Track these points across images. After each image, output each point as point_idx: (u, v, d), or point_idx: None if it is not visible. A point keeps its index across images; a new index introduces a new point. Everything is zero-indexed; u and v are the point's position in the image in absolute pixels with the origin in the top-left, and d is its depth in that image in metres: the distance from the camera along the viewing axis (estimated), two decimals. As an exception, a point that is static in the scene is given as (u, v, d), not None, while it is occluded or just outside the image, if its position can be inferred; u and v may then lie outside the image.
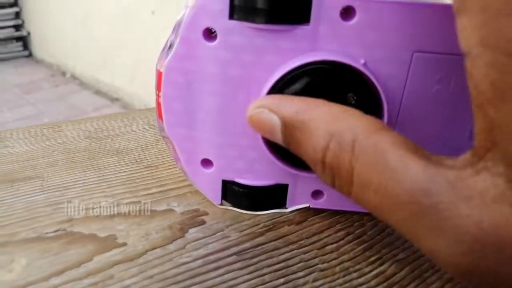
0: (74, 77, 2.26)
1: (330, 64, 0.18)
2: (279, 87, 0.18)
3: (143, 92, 1.79)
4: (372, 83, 0.18)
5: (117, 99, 1.95)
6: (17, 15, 2.64)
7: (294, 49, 0.18)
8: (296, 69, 0.18)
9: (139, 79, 1.82)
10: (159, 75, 0.20)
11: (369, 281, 0.18)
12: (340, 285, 0.18)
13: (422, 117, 0.19)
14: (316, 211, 0.22)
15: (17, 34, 2.62)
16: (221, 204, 0.22)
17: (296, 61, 0.18)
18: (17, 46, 2.64)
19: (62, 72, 2.35)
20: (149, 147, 0.29)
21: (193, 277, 0.17)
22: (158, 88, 0.20)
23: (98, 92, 2.04)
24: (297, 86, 0.18)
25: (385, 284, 0.18)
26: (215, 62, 0.18)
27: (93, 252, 0.18)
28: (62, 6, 2.29)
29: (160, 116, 0.20)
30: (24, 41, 2.67)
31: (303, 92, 0.18)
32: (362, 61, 0.18)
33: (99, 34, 2.04)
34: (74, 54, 2.28)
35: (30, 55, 2.67)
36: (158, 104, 0.20)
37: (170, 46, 0.19)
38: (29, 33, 2.66)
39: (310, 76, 0.18)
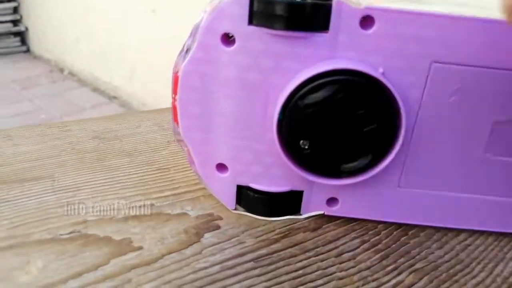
0: (72, 74, 2.25)
1: (349, 74, 0.18)
2: (299, 95, 0.18)
3: (141, 91, 1.78)
4: (391, 92, 0.18)
5: (115, 97, 1.94)
6: (15, 10, 2.61)
7: (313, 56, 0.18)
8: (315, 77, 0.18)
9: (138, 78, 1.80)
10: (175, 78, 0.19)
11: (387, 291, 0.18)
12: (359, 294, 0.17)
13: (438, 127, 0.19)
14: (330, 218, 0.22)
15: (14, 29, 2.60)
16: (235, 209, 0.22)
17: (315, 69, 0.18)
18: (15, 41, 2.61)
19: (60, 68, 2.34)
20: (159, 148, 0.28)
21: (211, 283, 0.17)
22: (174, 91, 0.20)
23: (96, 90, 2.03)
24: (317, 95, 0.18)
25: (403, 294, 0.18)
26: (233, 67, 0.18)
27: (109, 255, 0.18)
28: (61, 2, 2.28)
29: (175, 119, 0.20)
30: (21, 36, 2.65)
31: (323, 102, 0.18)
32: (381, 70, 0.18)
33: (98, 31, 2.03)
34: (73, 50, 2.26)
35: (27, 50, 2.65)
36: (174, 108, 0.20)
37: (187, 50, 0.19)
38: (27, 29, 2.63)
39: (330, 86, 0.18)
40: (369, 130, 0.18)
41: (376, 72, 0.18)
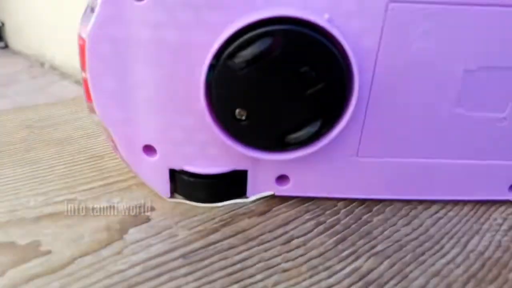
0: (53, 68, 2.19)
1: (287, 22, 0.14)
2: (227, 53, 0.15)
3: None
4: (339, 43, 0.15)
5: (98, 88, 1.89)
6: (-10, 5, 2.53)
7: (242, 4, 0.15)
8: (245, 29, 0.14)
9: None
10: (82, 47, 0.16)
11: (340, 281, 0.15)
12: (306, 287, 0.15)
13: (399, 82, 0.16)
14: (282, 200, 0.19)
15: (-10, 25, 2.52)
16: (172, 197, 0.19)
17: (244, 19, 0.14)
18: (-8, 37, 2.54)
19: (40, 63, 2.28)
20: (96, 134, 0.25)
21: (128, 288, 0.14)
22: (82, 64, 0.17)
23: (78, 82, 1.98)
24: (248, 52, 0.15)
25: (359, 283, 0.15)
26: (147, 26, 0.15)
27: (8, 265, 0.15)
28: (35, -7, 2.20)
29: (88, 97, 0.17)
30: (-2, 32, 2.57)
31: (257, 59, 0.15)
32: (326, 15, 0.15)
33: (76, 20, 1.96)
34: (52, 43, 2.20)
35: (6, 46, 2.58)
36: (85, 82, 0.17)
37: (93, 9, 0.16)
38: (3, 24, 2.56)
39: (264, 39, 0.14)
40: (315, 91, 0.15)
41: (321, 19, 0.14)
